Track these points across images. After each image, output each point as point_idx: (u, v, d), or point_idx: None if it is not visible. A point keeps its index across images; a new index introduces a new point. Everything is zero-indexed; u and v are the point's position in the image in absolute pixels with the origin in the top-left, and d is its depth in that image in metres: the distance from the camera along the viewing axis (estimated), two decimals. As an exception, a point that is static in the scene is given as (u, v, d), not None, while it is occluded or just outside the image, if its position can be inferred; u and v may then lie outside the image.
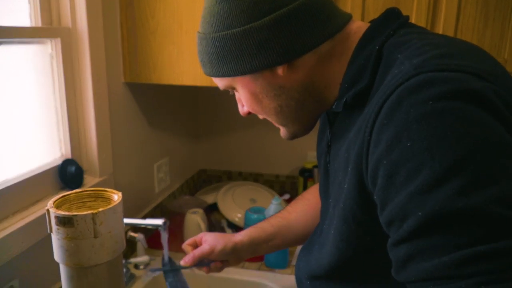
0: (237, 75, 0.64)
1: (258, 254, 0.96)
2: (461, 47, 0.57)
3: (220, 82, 0.70)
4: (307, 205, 0.97)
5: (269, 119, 0.71)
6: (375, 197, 0.53)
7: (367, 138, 0.53)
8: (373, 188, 0.53)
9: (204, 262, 0.91)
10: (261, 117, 0.73)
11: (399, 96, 0.49)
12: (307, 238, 0.95)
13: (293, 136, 0.73)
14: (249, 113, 0.73)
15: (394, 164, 0.48)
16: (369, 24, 0.64)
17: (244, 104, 0.71)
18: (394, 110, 0.49)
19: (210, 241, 0.91)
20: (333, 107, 0.66)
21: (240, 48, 0.61)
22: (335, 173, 0.67)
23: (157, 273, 1.18)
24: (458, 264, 0.43)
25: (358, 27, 0.64)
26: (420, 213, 0.45)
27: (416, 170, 0.46)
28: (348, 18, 0.65)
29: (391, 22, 0.62)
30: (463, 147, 0.45)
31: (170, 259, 0.98)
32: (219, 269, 0.93)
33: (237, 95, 0.73)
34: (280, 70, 0.63)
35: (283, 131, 0.73)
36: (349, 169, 0.58)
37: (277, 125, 0.73)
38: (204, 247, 0.90)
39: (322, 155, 0.76)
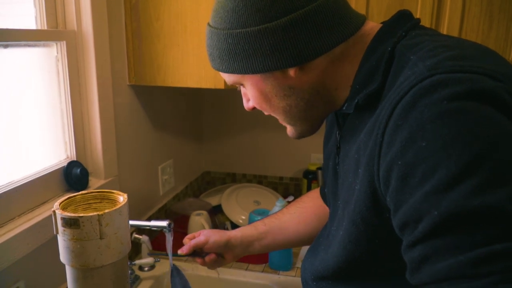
0: (248, 73, 0.64)
1: (251, 252, 0.97)
2: (474, 49, 0.57)
3: (228, 78, 0.69)
4: (302, 207, 0.98)
5: (276, 117, 0.71)
6: (387, 199, 0.52)
7: (380, 139, 0.52)
8: (386, 190, 0.52)
9: (200, 253, 0.95)
10: (266, 113, 0.72)
11: (413, 97, 0.49)
12: (299, 240, 0.97)
13: (300, 136, 0.73)
14: (254, 108, 0.73)
15: (409, 165, 0.48)
16: (381, 25, 0.64)
17: (251, 100, 0.71)
18: (408, 111, 0.49)
19: (205, 233, 0.96)
20: (344, 108, 0.65)
21: (253, 48, 0.61)
22: (344, 174, 0.66)
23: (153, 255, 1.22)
24: (474, 263, 0.42)
25: (371, 28, 0.64)
26: (436, 213, 0.45)
27: (432, 170, 0.46)
28: (362, 20, 0.65)
29: (402, 23, 0.62)
30: (479, 146, 0.45)
31: (174, 266, 0.98)
32: (213, 262, 0.95)
33: (243, 90, 0.73)
34: (291, 72, 0.62)
35: (290, 130, 0.73)
36: (359, 170, 0.58)
37: (284, 124, 0.73)
38: (200, 238, 0.94)
39: (331, 157, 0.76)
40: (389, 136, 0.51)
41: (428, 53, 0.54)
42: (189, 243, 0.94)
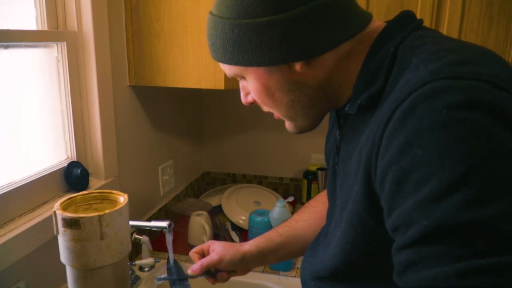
0: (253, 66, 0.62)
1: (266, 264, 0.94)
2: (477, 53, 0.56)
3: (229, 70, 0.67)
4: (314, 212, 0.96)
5: (277, 112, 0.70)
6: (382, 201, 0.53)
7: (378, 142, 0.52)
8: (381, 192, 0.53)
9: (211, 272, 0.90)
10: (266, 109, 0.71)
11: (413, 102, 0.49)
12: None
13: (300, 131, 0.72)
14: (252, 102, 0.71)
15: (404, 171, 0.48)
16: (385, 24, 0.64)
17: (252, 94, 0.68)
18: (407, 116, 0.48)
19: (218, 250, 0.89)
20: (346, 108, 0.65)
21: (261, 39, 0.59)
22: (344, 175, 0.66)
23: (162, 282, 1.18)
24: (458, 275, 0.43)
25: (377, 27, 0.64)
26: (425, 222, 0.45)
27: (425, 179, 0.46)
28: (369, 18, 0.65)
29: (406, 24, 0.62)
30: (473, 159, 0.44)
31: (175, 262, 0.97)
32: (226, 280, 0.92)
33: (242, 83, 0.71)
34: (298, 66, 0.61)
35: (289, 125, 0.72)
36: (359, 173, 0.58)
37: (283, 118, 0.71)
38: (213, 257, 0.88)
39: (331, 156, 0.76)
40: (386, 140, 0.51)
41: (430, 56, 0.53)
42: (200, 262, 0.88)
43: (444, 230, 0.44)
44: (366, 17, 0.64)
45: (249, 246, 0.90)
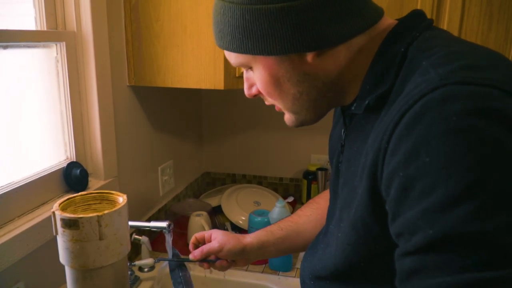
0: (263, 54, 0.60)
1: (267, 257, 0.95)
2: (486, 57, 0.55)
3: (235, 58, 0.64)
4: (317, 209, 0.96)
5: (282, 104, 0.67)
6: (386, 206, 0.52)
7: (384, 146, 0.51)
8: (386, 196, 0.52)
9: (211, 259, 0.91)
10: (269, 102, 0.69)
11: (422, 108, 0.48)
12: None
13: (300, 125, 0.70)
14: (256, 94, 0.69)
15: (410, 178, 0.47)
16: (396, 22, 0.63)
17: (258, 85, 0.66)
18: (416, 122, 0.48)
19: (220, 239, 0.91)
20: (353, 108, 0.64)
21: (273, 27, 0.57)
22: (346, 174, 0.66)
23: (164, 264, 1.19)
24: (461, 286, 0.42)
25: (388, 24, 0.63)
26: (430, 232, 0.45)
27: (431, 187, 0.45)
28: (381, 12, 0.64)
29: (417, 23, 0.61)
30: (481, 170, 0.44)
31: (177, 254, 0.98)
32: (225, 268, 0.93)
33: (247, 74, 0.69)
34: (309, 57, 0.60)
35: (290, 118, 0.69)
36: (364, 175, 0.57)
37: (286, 111, 0.69)
38: (214, 244, 0.90)
39: (335, 154, 0.75)
40: (393, 144, 0.50)
41: (441, 59, 0.52)
42: (201, 248, 0.90)
43: (449, 240, 0.44)
44: (378, 11, 0.63)
45: (250, 238, 0.92)
